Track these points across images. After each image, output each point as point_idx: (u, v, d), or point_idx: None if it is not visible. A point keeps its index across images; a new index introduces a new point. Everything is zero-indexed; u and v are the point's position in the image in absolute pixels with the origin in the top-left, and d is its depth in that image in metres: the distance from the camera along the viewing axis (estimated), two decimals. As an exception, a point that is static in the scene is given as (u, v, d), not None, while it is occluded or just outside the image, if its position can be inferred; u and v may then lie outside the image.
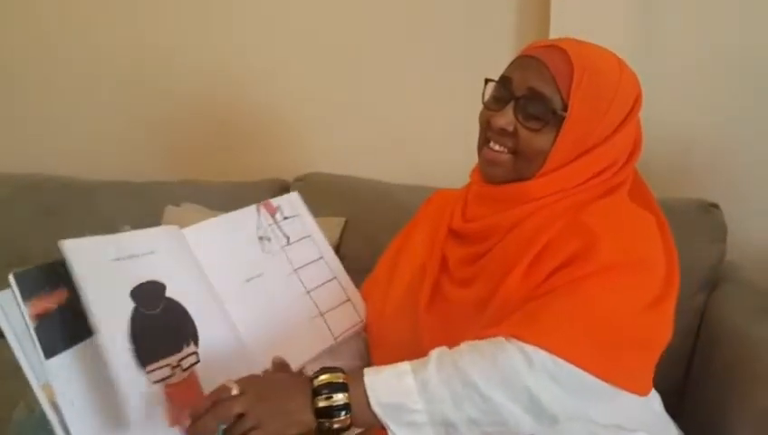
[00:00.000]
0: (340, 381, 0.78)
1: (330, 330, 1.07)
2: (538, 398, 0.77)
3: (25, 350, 0.76)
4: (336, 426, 0.77)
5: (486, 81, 0.97)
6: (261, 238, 1.06)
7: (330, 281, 1.10)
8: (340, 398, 0.77)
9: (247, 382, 0.79)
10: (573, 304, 0.81)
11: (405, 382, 0.78)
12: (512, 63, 0.95)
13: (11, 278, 0.76)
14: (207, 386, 0.83)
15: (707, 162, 1.41)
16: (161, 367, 0.81)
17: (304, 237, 1.11)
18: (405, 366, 0.80)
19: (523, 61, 0.93)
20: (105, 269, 0.81)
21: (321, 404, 0.77)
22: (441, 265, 1.01)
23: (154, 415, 0.79)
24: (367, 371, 0.80)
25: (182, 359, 0.84)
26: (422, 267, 1.04)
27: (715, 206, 1.36)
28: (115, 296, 0.81)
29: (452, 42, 1.60)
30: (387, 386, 0.78)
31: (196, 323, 0.88)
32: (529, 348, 0.77)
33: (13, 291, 0.76)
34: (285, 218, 1.10)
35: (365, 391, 0.78)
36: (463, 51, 1.60)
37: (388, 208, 1.30)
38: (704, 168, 1.40)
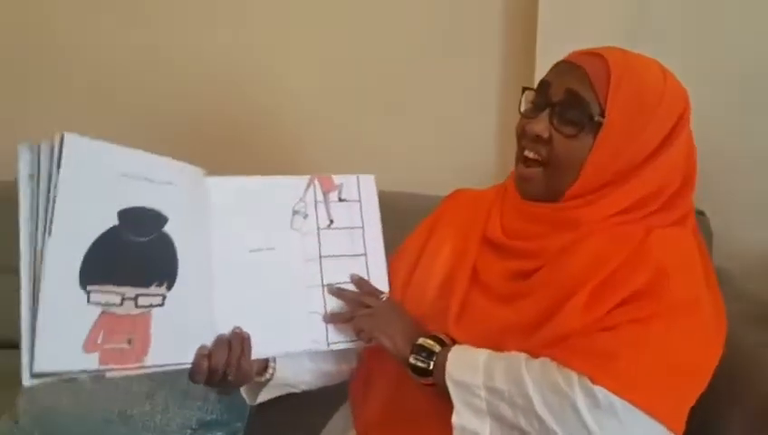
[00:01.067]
0: (436, 351, 0.88)
1: (326, 334, 0.96)
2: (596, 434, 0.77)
3: (34, 209, 0.72)
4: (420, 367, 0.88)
5: (523, 89, 0.94)
6: (295, 212, 0.96)
7: None
8: (429, 363, 0.87)
9: (388, 303, 0.97)
10: (644, 346, 0.80)
11: (476, 365, 0.83)
12: (550, 70, 0.92)
13: (65, 137, 0.74)
14: (161, 333, 0.81)
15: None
16: (108, 292, 0.77)
17: (354, 227, 1.00)
18: (484, 353, 0.85)
19: (562, 66, 0.90)
20: (101, 179, 0.78)
21: (412, 361, 0.88)
22: (472, 276, 0.95)
23: (78, 333, 0.74)
24: (454, 347, 0.87)
25: (142, 295, 0.80)
26: (450, 275, 0.97)
27: (701, 213, 1.34)
28: (95, 208, 0.77)
29: (454, 47, 1.59)
30: (461, 364, 0.84)
31: (180, 269, 0.84)
32: (598, 390, 0.76)
33: (54, 150, 0.73)
34: (341, 200, 0.99)
35: (445, 363, 0.85)
36: (463, 56, 1.59)
37: (388, 215, 1.21)
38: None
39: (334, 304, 0.97)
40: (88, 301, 0.74)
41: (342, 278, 0.99)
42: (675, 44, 1.38)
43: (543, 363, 0.81)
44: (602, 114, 0.85)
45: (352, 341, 0.98)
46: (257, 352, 0.91)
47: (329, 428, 1.06)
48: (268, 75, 1.69)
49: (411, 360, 0.88)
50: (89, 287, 0.74)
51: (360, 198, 1.01)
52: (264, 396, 0.98)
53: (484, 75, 1.53)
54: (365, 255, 1.01)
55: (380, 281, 1.01)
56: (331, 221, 0.99)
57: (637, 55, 0.90)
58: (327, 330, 0.96)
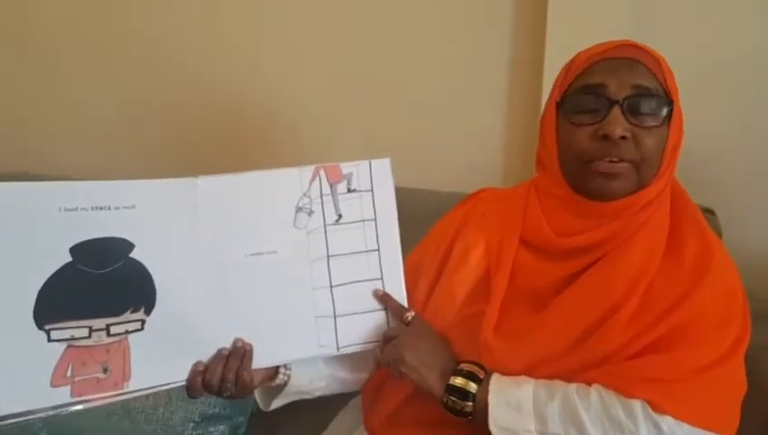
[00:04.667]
0: (472, 392, 0.81)
1: (336, 337, 0.90)
2: None
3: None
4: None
5: (559, 103, 0.88)
6: (299, 209, 0.89)
7: (371, 281, 0.91)
8: (465, 405, 0.81)
9: (414, 330, 0.89)
10: (701, 369, 0.78)
11: (523, 407, 0.79)
12: (593, 71, 0.85)
13: None
14: (144, 356, 0.80)
15: (703, 169, 1.38)
16: (71, 327, 0.76)
17: (365, 220, 0.91)
18: (528, 390, 0.80)
19: (611, 63, 0.85)
20: (40, 220, 0.76)
21: (447, 402, 0.82)
22: (510, 282, 0.89)
23: (41, 371, 0.75)
24: (492, 384, 0.81)
25: (114, 324, 0.78)
26: (484, 281, 0.91)
27: (711, 212, 1.30)
28: (39, 250, 0.75)
29: (456, 49, 1.53)
30: (507, 408, 0.79)
31: (159, 292, 0.81)
32: (661, 420, 0.75)
33: None
34: (350, 191, 0.90)
35: (487, 405, 0.80)
36: (465, 56, 1.53)
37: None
38: (699, 174, 1.33)
39: (343, 305, 0.91)
40: (48, 339, 0.75)
41: (352, 277, 0.91)
42: (686, 48, 1.34)
43: (600, 396, 0.78)
44: (669, 99, 0.85)
45: (363, 344, 0.92)
46: (262, 360, 0.88)
47: (335, 423, 1.04)
48: (272, 71, 1.65)
49: (446, 401, 0.83)
50: (47, 326, 0.75)
51: (373, 187, 0.92)
52: (277, 403, 0.96)
53: (492, 73, 1.50)
54: (378, 250, 0.92)
55: (395, 278, 0.93)
56: (340, 216, 0.91)
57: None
58: (336, 333, 0.91)
